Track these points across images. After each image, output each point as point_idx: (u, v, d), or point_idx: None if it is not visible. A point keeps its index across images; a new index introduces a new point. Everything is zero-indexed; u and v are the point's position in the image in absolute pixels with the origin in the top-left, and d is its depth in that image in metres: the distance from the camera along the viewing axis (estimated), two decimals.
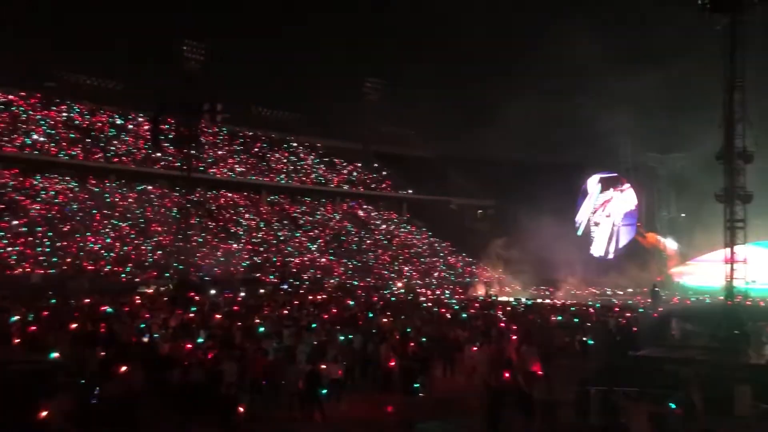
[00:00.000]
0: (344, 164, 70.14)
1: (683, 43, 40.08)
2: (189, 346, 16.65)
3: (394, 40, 72.89)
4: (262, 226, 55.87)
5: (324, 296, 36.90)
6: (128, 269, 40.80)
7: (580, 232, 69.52)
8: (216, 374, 14.12)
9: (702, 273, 56.51)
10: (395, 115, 69.30)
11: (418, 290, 46.15)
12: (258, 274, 44.83)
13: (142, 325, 20.46)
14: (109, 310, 24.04)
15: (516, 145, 61.57)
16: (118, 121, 57.61)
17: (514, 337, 19.41)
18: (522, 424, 12.72)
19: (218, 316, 24.06)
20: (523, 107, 55.74)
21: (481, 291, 49.50)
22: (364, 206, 68.15)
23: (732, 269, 19.46)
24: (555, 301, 40.68)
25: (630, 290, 51.36)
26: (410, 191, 71.01)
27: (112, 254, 42.39)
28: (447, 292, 47.40)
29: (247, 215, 56.84)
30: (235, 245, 49.65)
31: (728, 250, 19.71)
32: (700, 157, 40.01)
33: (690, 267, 57.78)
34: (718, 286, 27.17)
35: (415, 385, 13.69)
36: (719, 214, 20.08)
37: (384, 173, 71.38)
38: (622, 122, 60.15)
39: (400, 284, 49.82)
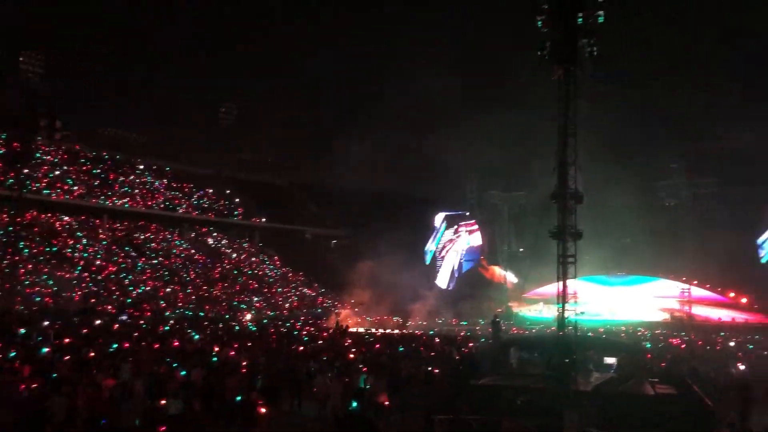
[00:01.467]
0: (194, 189, 67.90)
1: (528, 90, 43.11)
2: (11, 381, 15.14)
3: (251, 66, 72.43)
4: (101, 253, 52.39)
5: (167, 328, 35.11)
6: None
7: (427, 262, 72.65)
8: (41, 412, 12.97)
9: (538, 305, 60.91)
10: (250, 141, 68.45)
11: (268, 321, 45.27)
12: (94, 304, 41.88)
13: None
14: None
15: (370, 177, 62.88)
16: None
17: (364, 368, 19.55)
18: None
19: (47, 349, 22.09)
20: (377, 141, 57.32)
21: (332, 322, 49.46)
22: (215, 234, 66.21)
23: (564, 301, 20.86)
24: (403, 331, 41.54)
25: (474, 320, 53.71)
26: (263, 219, 70.06)
27: None
28: (299, 322, 46.92)
29: (84, 241, 53.02)
30: (70, 273, 46.12)
31: (561, 283, 21.13)
32: (538, 196, 43.11)
33: (528, 299, 61.60)
34: (552, 317, 29.13)
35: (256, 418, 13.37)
36: (554, 250, 21.47)
37: (236, 200, 69.97)
38: (469, 161, 63.83)
39: (249, 316, 48.64)
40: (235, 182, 70.85)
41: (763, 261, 56.70)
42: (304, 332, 34.56)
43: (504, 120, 56.11)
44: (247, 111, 70.19)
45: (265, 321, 45.27)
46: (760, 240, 57.12)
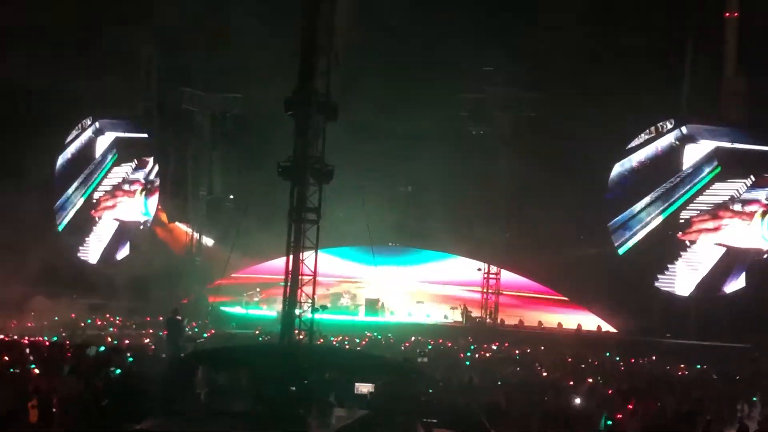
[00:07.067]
0: None
1: None
2: None
3: None
4: None
5: None
6: None
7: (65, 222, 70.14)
8: None
9: (254, 292, 61.55)
10: None
11: None
12: None
13: None
14: None
15: None
16: None
17: None
18: None
19: None
20: None
21: None
22: None
23: (294, 287, 21.25)
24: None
25: (138, 318, 53.36)
26: None
27: None
28: None
29: None
30: None
31: (291, 257, 21.49)
32: (265, 103, 43.88)
33: (237, 282, 62.16)
34: (276, 314, 29.70)
35: None
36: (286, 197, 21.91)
37: None
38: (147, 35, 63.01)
39: None
40: None
41: (620, 253, 59.06)
42: None
43: None
44: None
45: None
46: (610, 223, 59.35)
